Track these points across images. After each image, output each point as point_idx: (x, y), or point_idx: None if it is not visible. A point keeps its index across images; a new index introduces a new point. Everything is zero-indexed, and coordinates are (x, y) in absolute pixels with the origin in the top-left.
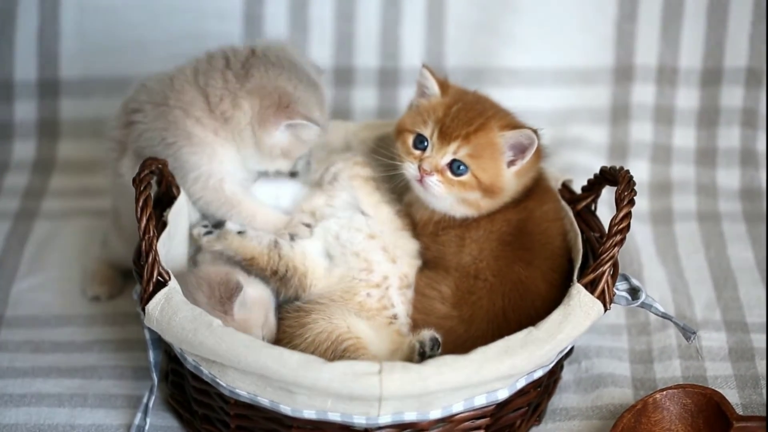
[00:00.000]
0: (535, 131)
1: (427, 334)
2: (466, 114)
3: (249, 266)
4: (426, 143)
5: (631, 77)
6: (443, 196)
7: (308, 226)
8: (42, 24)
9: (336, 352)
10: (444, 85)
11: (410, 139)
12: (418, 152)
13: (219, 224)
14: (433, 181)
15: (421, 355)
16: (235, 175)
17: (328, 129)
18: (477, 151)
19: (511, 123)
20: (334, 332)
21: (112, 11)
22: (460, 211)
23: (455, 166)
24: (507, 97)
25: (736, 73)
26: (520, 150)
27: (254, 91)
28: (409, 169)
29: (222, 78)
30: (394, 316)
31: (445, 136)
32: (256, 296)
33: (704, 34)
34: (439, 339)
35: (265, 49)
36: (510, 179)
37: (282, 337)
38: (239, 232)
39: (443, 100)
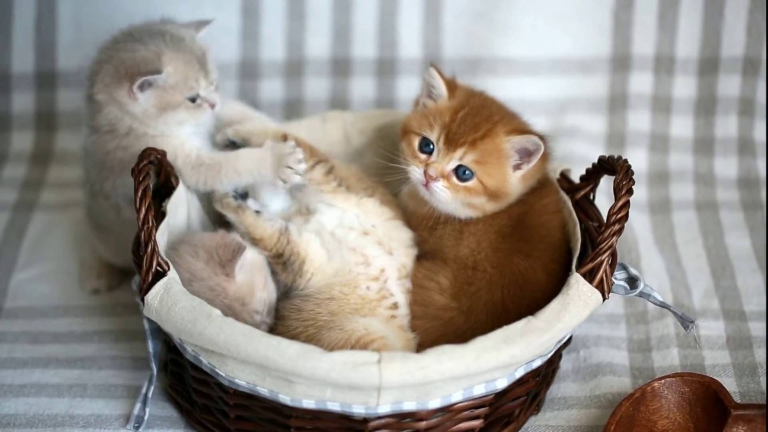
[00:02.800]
0: (541, 137)
1: None
2: (473, 119)
3: (253, 245)
4: (432, 147)
5: (628, 66)
6: (448, 201)
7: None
8: (39, 15)
9: None
10: (452, 86)
11: (416, 142)
12: (423, 156)
13: (244, 195)
14: (439, 186)
15: None
16: (197, 143)
17: (205, 59)
18: (483, 156)
19: (518, 128)
20: (352, 337)
21: (109, 2)
22: (464, 213)
23: (461, 172)
24: (504, 87)
25: (734, 62)
26: (526, 154)
27: (105, 81)
28: (415, 173)
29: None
30: (395, 305)
31: (452, 142)
32: (255, 259)
33: (701, 23)
34: None
35: (124, 33)
36: (515, 183)
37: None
38: (256, 212)
39: (450, 104)
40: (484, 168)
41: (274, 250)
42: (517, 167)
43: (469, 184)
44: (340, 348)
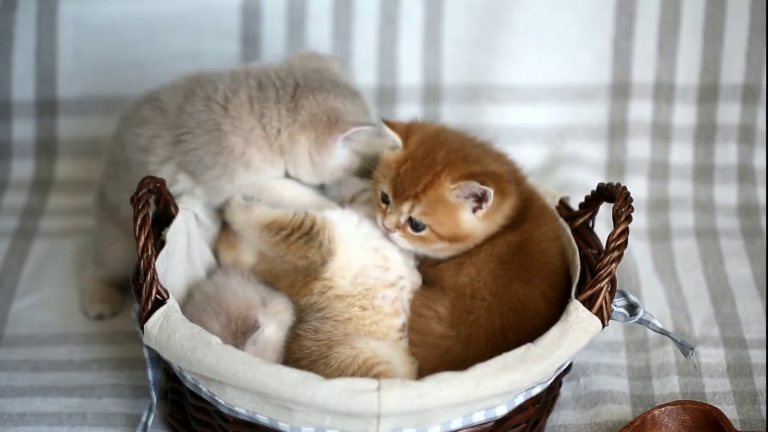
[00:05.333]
0: (495, 176)
1: None
2: (414, 173)
3: (267, 230)
4: (388, 199)
5: (628, 94)
6: (410, 248)
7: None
8: (39, 43)
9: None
10: (407, 134)
11: (379, 192)
12: (384, 206)
13: None
14: (396, 236)
15: None
16: None
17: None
18: (430, 208)
19: (463, 174)
20: (360, 356)
21: (109, 30)
22: (439, 255)
23: (414, 223)
24: (504, 114)
25: (733, 89)
26: (479, 197)
27: (307, 123)
28: (378, 222)
29: (276, 111)
30: (403, 326)
31: (398, 196)
32: (272, 339)
33: (701, 51)
34: None
35: (304, 74)
36: (476, 225)
37: (300, 357)
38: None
39: (397, 157)
40: (434, 218)
41: (290, 226)
42: (476, 208)
43: (423, 234)
44: (347, 365)
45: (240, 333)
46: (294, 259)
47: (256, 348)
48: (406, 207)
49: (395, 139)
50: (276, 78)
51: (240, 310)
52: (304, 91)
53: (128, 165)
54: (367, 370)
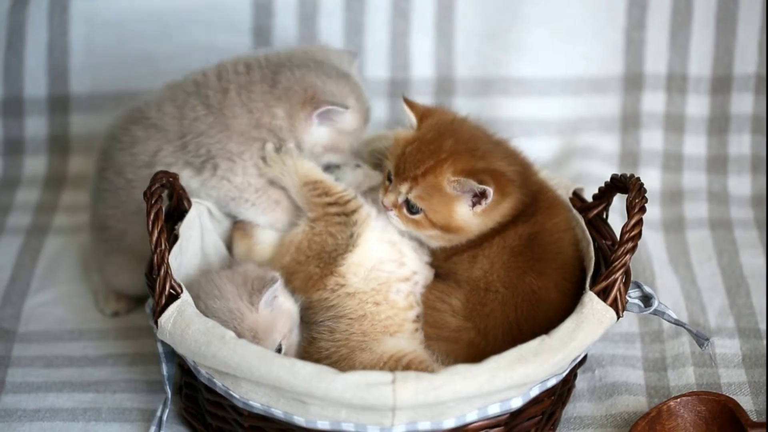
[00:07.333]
0: (498, 174)
1: None
2: (417, 155)
3: (311, 187)
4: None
5: (640, 85)
6: (404, 229)
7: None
8: (51, 39)
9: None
10: (424, 116)
11: (386, 170)
12: (387, 183)
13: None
14: (392, 215)
15: None
16: None
17: (369, 117)
18: (426, 193)
19: (465, 168)
20: (384, 355)
21: (121, 26)
22: (431, 242)
23: (410, 205)
24: (517, 107)
25: (746, 80)
26: (478, 194)
27: (282, 95)
28: (379, 197)
29: (260, 88)
30: (417, 317)
31: (399, 175)
32: (286, 306)
33: (713, 42)
34: None
35: (292, 55)
36: (470, 220)
37: (318, 359)
38: None
39: (407, 136)
40: (429, 204)
41: (335, 196)
42: (476, 204)
43: (416, 217)
44: (372, 367)
45: (256, 290)
46: (324, 232)
47: (270, 310)
48: (404, 187)
49: (411, 118)
50: (264, 60)
51: (258, 273)
52: (284, 68)
53: (131, 186)
54: (395, 363)
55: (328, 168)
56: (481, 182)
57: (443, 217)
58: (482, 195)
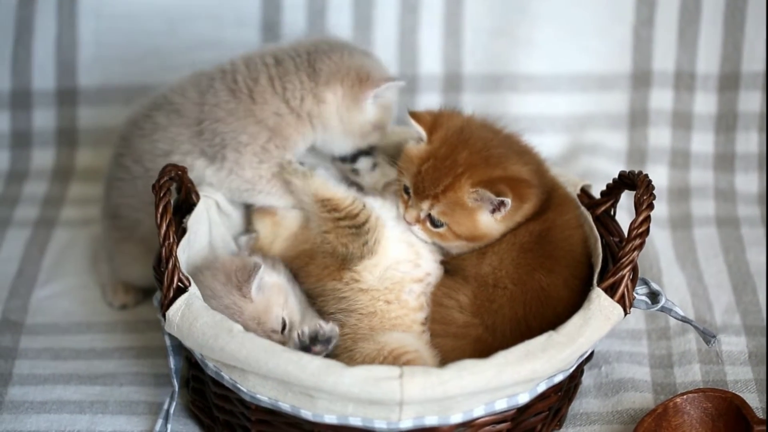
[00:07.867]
0: (516, 181)
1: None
2: (435, 173)
3: (321, 204)
4: (409, 192)
5: (648, 82)
6: (429, 241)
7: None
8: (60, 33)
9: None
10: (433, 127)
11: (402, 185)
12: (406, 197)
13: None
14: (416, 229)
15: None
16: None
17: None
18: (449, 208)
19: (483, 179)
20: (385, 348)
21: (129, 19)
22: (453, 250)
23: (432, 220)
24: (525, 103)
25: (754, 77)
26: (496, 202)
27: (331, 80)
28: (399, 212)
29: (297, 79)
30: (425, 320)
31: (419, 193)
32: (273, 281)
33: (721, 39)
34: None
35: (312, 42)
36: (493, 226)
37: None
38: None
39: (420, 152)
40: (452, 218)
41: (345, 211)
42: (495, 210)
43: (441, 230)
44: (372, 358)
45: (243, 282)
46: (335, 242)
47: (262, 292)
48: (425, 205)
49: (420, 132)
50: (291, 50)
51: (236, 264)
52: (318, 55)
53: (149, 175)
54: (394, 360)
55: (354, 163)
56: (498, 193)
57: (467, 228)
58: (501, 204)
